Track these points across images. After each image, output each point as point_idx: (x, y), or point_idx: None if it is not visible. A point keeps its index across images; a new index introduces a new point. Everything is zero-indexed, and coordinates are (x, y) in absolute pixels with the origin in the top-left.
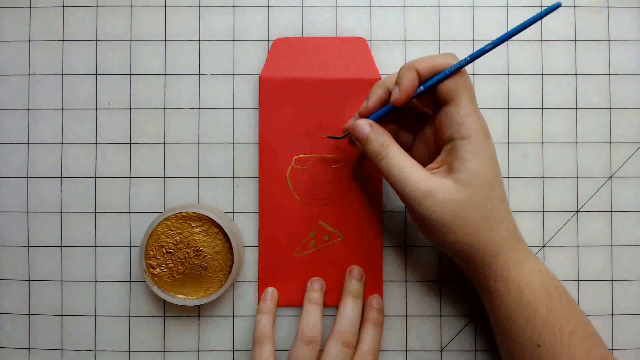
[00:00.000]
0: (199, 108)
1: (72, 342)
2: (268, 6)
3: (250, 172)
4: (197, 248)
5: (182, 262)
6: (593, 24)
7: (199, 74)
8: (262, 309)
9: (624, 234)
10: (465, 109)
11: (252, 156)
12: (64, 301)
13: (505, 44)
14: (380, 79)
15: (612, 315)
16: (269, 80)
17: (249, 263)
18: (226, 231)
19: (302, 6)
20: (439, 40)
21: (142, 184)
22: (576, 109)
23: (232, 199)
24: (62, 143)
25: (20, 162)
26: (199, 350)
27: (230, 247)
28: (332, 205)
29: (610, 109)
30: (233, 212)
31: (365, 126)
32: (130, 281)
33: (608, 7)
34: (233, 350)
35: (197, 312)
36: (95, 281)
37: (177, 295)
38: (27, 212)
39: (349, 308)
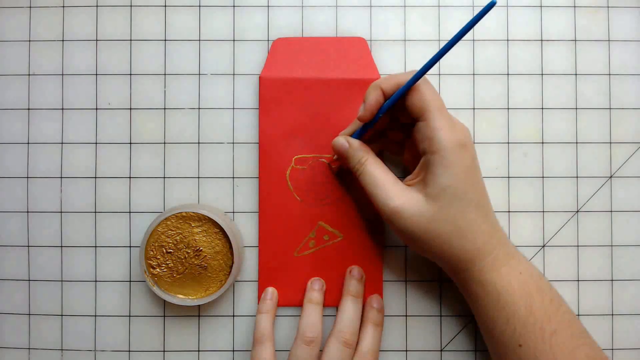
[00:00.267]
0: (199, 108)
1: (72, 342)
2: (268, 6)
3: (250, 172)
4: (197, 248)
5: (182, 262)
6: (593, 24)
7: (199, 74)
8: (262, 309)
9: (624, 234)
10: (434, 123)
11: (252, 156)
12: (64, 301)
13: (505, 44)
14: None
15: (612, 315)
16: (269, 80)
17: (249, 263)
18: (226, 231)
19: (302, 6)
20: (439, 40)
21: (142, 184)
22: (576, 109)
23: (232, 199)
24: (62, 143)
25: (20, 162)
26: (199, 350)
27: (230, 247)
28: (332, 205)
29: (610, 109)
30: (233, 212)
31: (343, 143)
32: (130, 281)
33: (608, 7)
34: (233, 350)
35: (197, 312)
36: (95, 281)
37: (177, 295)
38: (27, 212)
39: (349, 308)
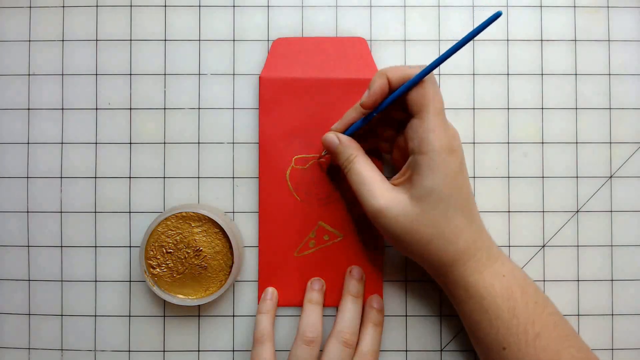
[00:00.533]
0: (199, 108)
1: (72, 342)
2: (268, 6)
3: (250, 172)
4: (197, 248)
5: (182, 262)
6: (593, 24)
7: (199, 74)
8: (262, 309)
9: (624, 234)
10: (428, 124)
11: (252, 156)
12: (64, 301)
13: (505, 44)
14: None
15: (612, 315)
16: (269, 80)
17: (249, 263)
18: (226, 231)
19: (302, 6)
20: (439, 40)
21: (142, 184)
22: (576, 109)
23: (232, 199)
24: (62, 143)
25: (20, 162)
26: (199, 350)
27: (230, 247)
28: (332, 205)
29: (610, 109)
30: (233, 212)
31: (333, 139)
32: (130, 281)
33: (608, 7)
34: (233, 350)
35: (197, 312)
36: (95, 281)
37: (177, 295)
38: (27, 212)
39: (349, 308)
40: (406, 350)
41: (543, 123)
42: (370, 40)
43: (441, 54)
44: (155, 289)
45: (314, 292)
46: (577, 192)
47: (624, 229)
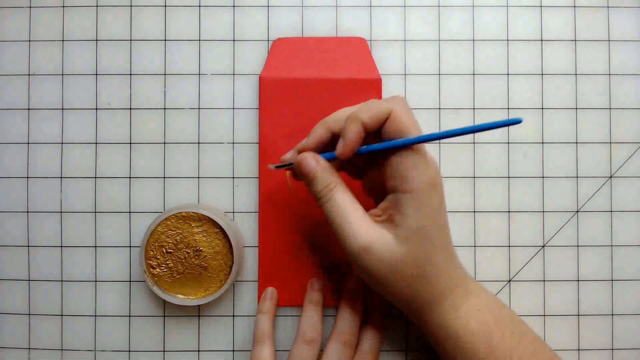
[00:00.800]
0: (199, 108)
1: (72, 342)
2: (268, 6)
3: (250, 172)
4: (197, 248)
5: (182, 262)
6: (593, 24)
7: (199, 74)
8: (262, 309)
9: (624, 234)
10: (409, 160)
11: (252, 156)
12: (64, 301)
13: (505, 43)
14: (380, 79)
15: (612, 315)
16: (269, 80)
17: (249, 263)
18: (226, 231)
19: (302, 6)
20: (439, 40)
21: (142, 184)
22: (576, 109)
23: (232, 199)
24: (62, 143)
25: (20, 162)
26: (199, 350)
27: (230, 247)
28: None
29: (610, 109)
30: (233, 212)
31: (312, 162)
32: (130, 281)
33: (608, 7)
34: (233, 350)
35: (197, 312)
36: (95, 281)
37: (177, 295)
38: (27, 212)
39: (349, 308)
40: (406, 350)
41: (543, 123)
42: (370, 40)
43: (445, 130)
44: (155, 289)
45: (315, 292)
46: (577, 192)
47: (624, 229)
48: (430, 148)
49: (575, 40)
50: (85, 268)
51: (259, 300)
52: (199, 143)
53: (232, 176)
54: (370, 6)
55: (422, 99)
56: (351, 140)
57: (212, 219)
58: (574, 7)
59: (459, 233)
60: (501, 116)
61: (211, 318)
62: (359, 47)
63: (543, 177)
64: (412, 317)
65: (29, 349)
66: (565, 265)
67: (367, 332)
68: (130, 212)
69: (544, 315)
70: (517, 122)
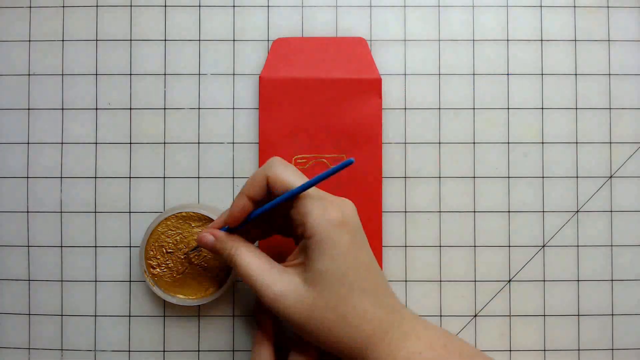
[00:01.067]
0: (199, 108)
1: (72, 342)
2: (268, 6)
3: (250, 172)
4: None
5: (182, 262)
6: (593, 24)
7: (199, 74)
8: (262, 309)
9: (624, 234)
10: (303, 209)
11: (252, 156)
12: (64, 301)
13: (505, 43)
14: (380, 79)
15: (612, 315)
16: (269, 80)
17: None
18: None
19: (302, 6)
20: (439, 40)
21: (142, 184)
22: (576, 109)
23: (232, 199)
24: (62, 143)
25: (20, 162)
26: (199, 350)
27: None
28: None
29: (610, 109)
30: None
31: (208, 237)
32: (130, 281)
33: (608, 7)
34: (233, 350)
35: (197, 312)
36: (95, 281)
37: (177, 295)
38: (27, 212)
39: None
40: None
41: (543, 123)
42: (370, 40)
43: (317, 175)
44: (155, 289)
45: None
46: (577, 192)
47: (624, 229)
48: (430, 149)
49: (575, 40)
50: (85, 268)
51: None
52: (199, 143)
53: (232, 176)
54: (370, 6)
55: (422, 99)
56: (234, 213)
57: (212, 219)
58: (574, 7)
59: (459, 233)
60: (501, 116)
61: (211, 318)
62: (359, 47)
63: (543, 177)
64: None
65: (29, 349)
66: (565, 265)
67: None
68: (130, 212)
69: (544, 315)
70: (350, 163)
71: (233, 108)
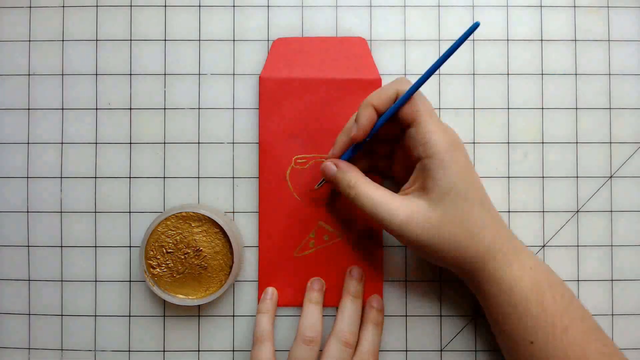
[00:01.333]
0: (199, 108)
1: (72, 342)
2: (268, 6)
3: (250, 172)
4: (197, 248)
5: (182, 262)
6: (593, 24)
7: (199, 74)
8: (262, 308)
9: (624, 234)
10: (425, 127)
11: (252, 156)
12: (64, 301)
13: (505, 44)
14: (380, 79)
15: (612, 315)
16: (269, 80)
17: (249, 263)
18: (226, 231)
19: (302, 6)
20: (439, 40)
21: (142, 184)
22: (576, 109)
23: (232, 199)
24: (62, 143)
25: (20, 162)
26: (199, 350)
27: (230, 247)
28: (332, 205)
29: (610, 109)
30: (233, 212)
31: (331, 167)
32: (130, 281)
33: (608, 7)
34: (233, 350)
35: (197, 312)
36: (95, 281)
37: (177, 295)
38: (27, 212)
39: (349, 308)
40: (406, 350)
41: (543, 123)
42: (370, 40)
43: (427, 69)
44: (155, 289)
45: (314, 292)
46: (577, 192)
47: (624, 229)
48: None
49: (575, 40)
50: (85, 268)
51: (259, 300)
52: (199, 143)
53: (232, 176)
54: (370, 6)
55: None
56: (363, 124)
57: (212, 219)
58: (574, 7)
59: None
60: (502, 116)
61: (211, 318)
62: (359, 47)
63: (543, 177)
64: (463, 276)
65: (29, 349)
66: (565, 265)
67: (367, 332)
68: (130, 212)
69: None
70: (476, 26)
71: (233, 108)
